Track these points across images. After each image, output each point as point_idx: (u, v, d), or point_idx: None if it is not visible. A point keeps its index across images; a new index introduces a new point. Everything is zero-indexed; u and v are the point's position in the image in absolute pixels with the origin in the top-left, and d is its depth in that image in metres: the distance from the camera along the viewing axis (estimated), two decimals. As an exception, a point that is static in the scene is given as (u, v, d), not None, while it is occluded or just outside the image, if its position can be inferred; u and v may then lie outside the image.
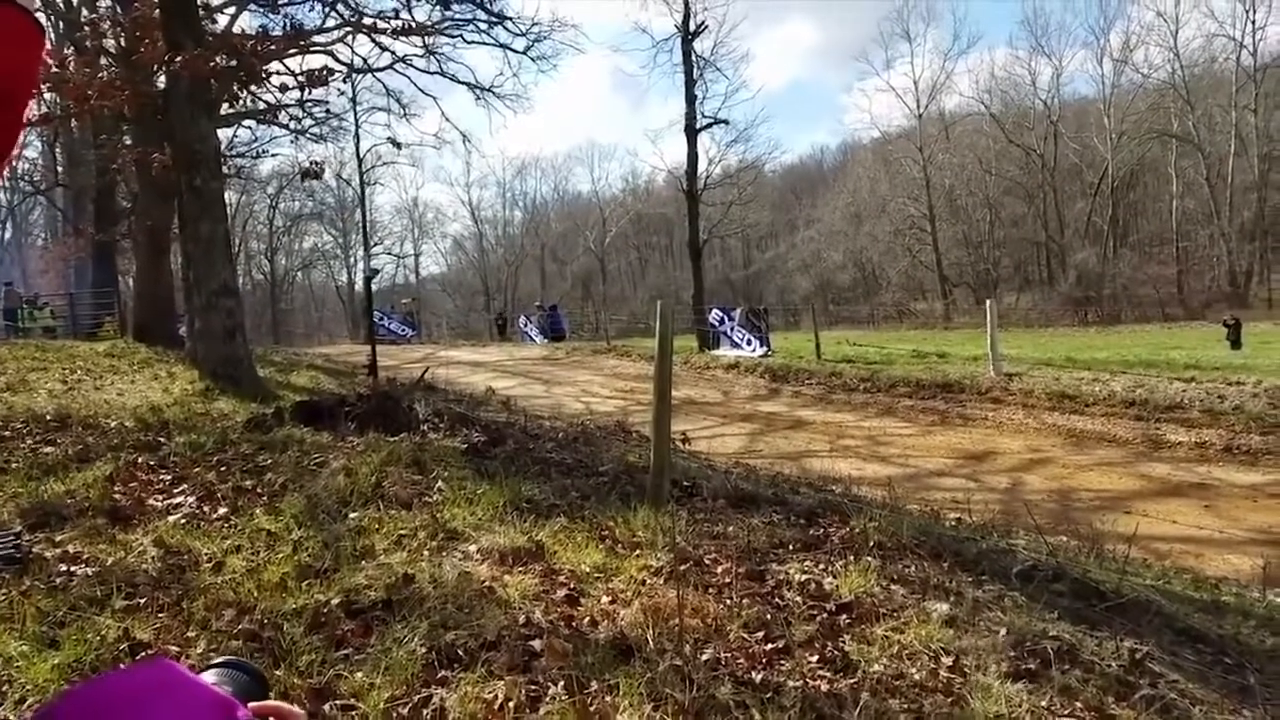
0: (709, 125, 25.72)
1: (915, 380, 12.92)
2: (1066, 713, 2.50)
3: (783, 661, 2.80)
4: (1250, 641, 3.45)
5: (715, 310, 20.51)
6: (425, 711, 2.46)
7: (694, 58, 24.21)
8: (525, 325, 30.81)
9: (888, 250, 54.23)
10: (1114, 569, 4.15)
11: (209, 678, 0.86)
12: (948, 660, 2.79)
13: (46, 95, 13.26)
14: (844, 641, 2.94)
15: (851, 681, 2.66)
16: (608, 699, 2.50)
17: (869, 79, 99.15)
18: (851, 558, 3.75)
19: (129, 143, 14.00)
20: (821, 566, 3.68)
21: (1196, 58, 44.78)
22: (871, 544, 3.94)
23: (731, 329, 19.17)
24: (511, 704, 2.47)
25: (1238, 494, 7.36)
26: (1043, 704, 2.54)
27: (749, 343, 18.45)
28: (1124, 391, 10.79)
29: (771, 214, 63.74)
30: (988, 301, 15.36)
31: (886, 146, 56.25)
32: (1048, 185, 48.52)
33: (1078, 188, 49.59)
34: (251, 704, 0.81)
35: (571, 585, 3.38)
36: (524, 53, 18.50)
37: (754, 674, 2.70)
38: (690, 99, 24.07)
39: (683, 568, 3.50)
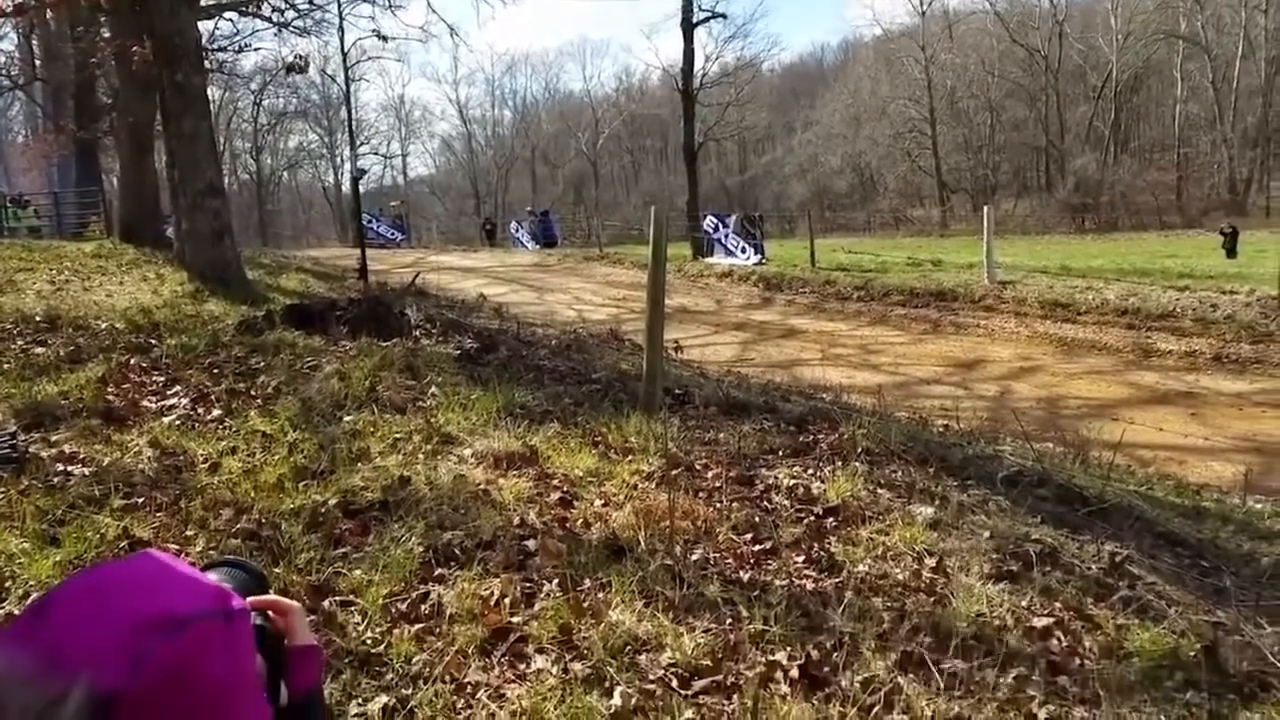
0: (707, 19, 24.43)
1: (909, 288, 12.87)
2: (1045, 612, 2.58)
3: (770, 562, 2.88)
4: (1228, 545, 3.55)
5: (710, 217, 20.15)
6: (424, 607, 2.53)
7: (692, -58, 22.82)
8: (517, 231, 30.30)
9: (886, 154, 53.02)
10: (1098, 475, 4.23)
11: (210, 576, 0.87)
12: (931, 561, 2.87)
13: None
14: (830, 543, 3.01)
15: (836, 581, 2.74)
16: (600, 595, 2.57)
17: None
18: (839, 463, 3.81)
19: (107, 35, 13.30)
20: (810, 471, 3.73)
21: (1211, -49, 42.83)
22: (859, 450, 4.00)
23: (726, 236, 18.91)
24: (507, 600, 2.54)
25: (1224, 402, 7.46)
26: (1023, 604, 2.62)
27: (743, 251, 18.25)
28: (1117, 300, 10.78)
29: (769, 116, 61.98)
30: (985, 208, 15.11)
31: (889, 45, 54.28)
32: (1050, 88, 47.12)
33: (1080, 91, 48.21)
34: (249, 598, 0.83)
35: (565, 489, 3.43)
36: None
37: (742, 573, 2.78)
38: (688, -11, 22.86)
39: (674, 472, 3.55)
